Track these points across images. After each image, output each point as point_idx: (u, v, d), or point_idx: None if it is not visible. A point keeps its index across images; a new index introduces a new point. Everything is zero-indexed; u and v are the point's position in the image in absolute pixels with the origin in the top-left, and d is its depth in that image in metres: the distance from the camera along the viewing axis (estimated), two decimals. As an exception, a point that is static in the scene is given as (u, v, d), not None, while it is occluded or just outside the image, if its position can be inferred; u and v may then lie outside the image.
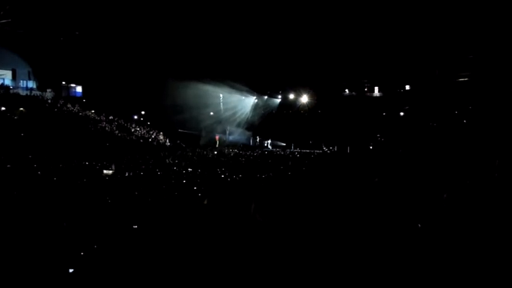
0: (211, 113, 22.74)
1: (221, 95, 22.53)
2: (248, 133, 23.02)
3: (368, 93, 21.86)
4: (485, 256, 1.96)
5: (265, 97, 23.62)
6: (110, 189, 5.09)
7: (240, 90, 21.76)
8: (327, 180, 5.27)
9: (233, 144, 21.33)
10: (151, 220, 3.20)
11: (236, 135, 23.09)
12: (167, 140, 19.05)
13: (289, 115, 23.21)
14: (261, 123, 22.89)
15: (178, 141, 19.23)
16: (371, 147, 18.96)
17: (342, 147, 18.75)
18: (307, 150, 19.16)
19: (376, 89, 21.80)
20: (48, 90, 18.17)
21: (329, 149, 19.25)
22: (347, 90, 22.16)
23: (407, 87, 20.66)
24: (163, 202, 4.32)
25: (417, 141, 16.82)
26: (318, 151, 18.86)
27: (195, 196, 4.76)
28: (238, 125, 23.26)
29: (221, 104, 22.87)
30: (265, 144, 22.24)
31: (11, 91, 16.85)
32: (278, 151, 18.09)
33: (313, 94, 21.80)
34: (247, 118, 23.68)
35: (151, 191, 4.95)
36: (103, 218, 3.22)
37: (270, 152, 17.58)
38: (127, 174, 6.97)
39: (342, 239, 2.12)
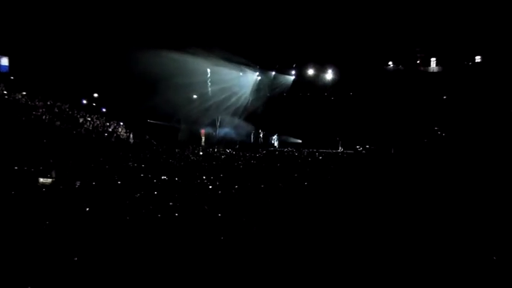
0: (195, 97, 22.77)
1: (209, 71, 22.52)
2: (248, 125, 23.07)
3: (422, 68, 21.73)
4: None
5: (273, 73, 23.61)
6: (48, 206, 5.06)
7: (236, 63, 21.71)
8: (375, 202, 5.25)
9: (226, 142, 21.38)
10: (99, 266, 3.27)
11: (230, 128, 23.16)
12: (131, 135, 19.11)
13: (307, 99, 23.22)
14: (267, 111, 22.93)
15: (147, 137, 19.28)
16: (426, 147, 18.86)
17: (384, 146, 18.70)
18: (333, 150, 19.16)
19: (433, 61, 21.66)
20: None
21: (364, 149, 19.21)
22: (390, 63, 22.03)
23: (478, 58, 20.49)
24: (124, 226, 4.31)
25: (495, 137, 16.70)
26: (348, 151, 18.83)
27: (170, 216, 4.74)
28: (234, 114, 23.33)
29: (209, 83, 22.89)
30: (272, 141, 22.32)
31: None
32: (291, 151, 18.08)
33: (342, 68, 21.71)
34: (247, 104, 23.73)
35: (106, 209, 4.93)
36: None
37: (279, 152, 17.58)
38: (72, 184, 6.94)
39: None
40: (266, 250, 3.51)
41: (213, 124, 23.47)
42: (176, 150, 16.05)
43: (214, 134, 23.30)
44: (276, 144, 22.42)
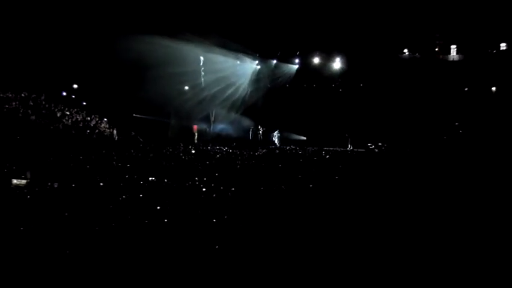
0: (186, 88, 22.75)
1: (202, 59, 22.47)
2: (246, 120, 23.09)
3: (441, 56, 21.72)
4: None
5: (274, 62, 23.61)
6: (22, 211, 5.05)
7: (233, 50, 21.66)
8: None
9: (222, 139, 21.40)
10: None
11: (226, 123, 23.17)
12: (115, 131, 19.10)
13: (312, 91, 23.23)
14: (267, 105, 22.93)
15: (133, 133, 19.27)
16: (446, 144, 18.89)
17: (399, 144, 18.73)
18: (341, 149, 19.18)
19: (453, 48, 21.66)
20: None
21: (377, 147, 19.24)
22: (406, 50, 22.00)
23: (503, 46, 20.48)
24: (106, 233, 4.29)
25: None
26: (359, 149, 18.85)
27: (158, 222, 4.72)
28: (230, 108, 23.35)
29: (202, 73, 22.86)
30: (273, 138, 22.37)
31: None
32: (294, 149, 18.09)
33: (352, 57, 21.69)
34: (245, 96, 23.73)
35: (87, 214, 4.92)
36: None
37: (281, 150, 17.59)
38: (49, 186, 6.93)
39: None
40: (265, 262, 3.49)
41: (206, 119, 23.47)
42: (166, 148, 16.03)
43: (208, 130, 23.30)
44: (277, 141, 22.47)
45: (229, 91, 23.24)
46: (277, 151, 17.05)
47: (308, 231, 4.43)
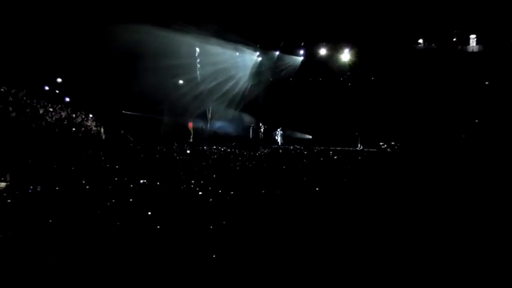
0: (181, 82, 22.77)
1: (198, 50, 22.51)
2: (246, 118, 23.13)
3: (459, 47, 21.69)
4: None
5: (276, 53, 23.61)
6: (1, 215, 5.07)
7: (231, 41, 21.67)
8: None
9: (219, 138, 21.42)
10: None
11: (224, 120, 23.20)
12: (102, 130, 19.13)
13: (319, 85, 23.25)
14: (269, 100, 22.95)
15: (122, 132, 19.29)
16: (465, 144, 18.86)
17: (413, 143, 18.72)
18: (350, 148, 19.19)
19: (472, 38, 21.62)
20: None
21: (389, 146, 19.22)
22: (421, 40, 21.97)
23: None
24: (94, 240, 4.32)
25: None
26: (369, 149, 18.86)
27: (150, 228, 4.74)
28: (229, 104, 23.39)
29: (198, 65, 22.89)
30: (275, 137, 22.40)
31: None
32: (299, 149, 18.11)
33: (362, 48, 21.69)
34: (245, 91, 23.76)
35: (72, 220, 4.94)
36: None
37: (284, 150, 17.60)
38: (31, 189, 6.96)
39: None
40: (263, 274, 3.52)
41: (203, 116, 23.52)
42: (158, 147, 16.05)
43: (204, 127, 23.34)
44: (280, 140, 22.50)
45: (228, 85, 23.27)
46: (280, 151, 17.06)
47: (312, 243, 4.43)
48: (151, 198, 6.49)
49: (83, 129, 18.50)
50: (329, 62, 22.75)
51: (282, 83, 23.70)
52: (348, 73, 22.56)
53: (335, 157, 14.50)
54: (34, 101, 18.46)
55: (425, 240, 4.45)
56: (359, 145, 20.25)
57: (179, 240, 4.38)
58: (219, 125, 23.27)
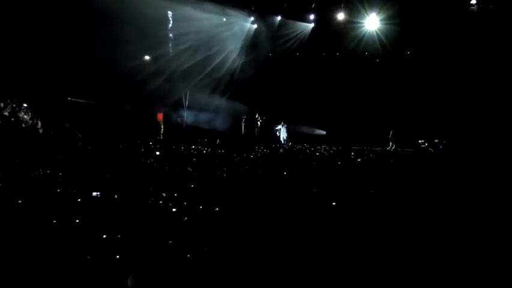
0: (147, 59, 22.78)
1: (170, 15, 22.51)
2: (237, 107, 23.15)
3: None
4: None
5: (278, 19, 23.64)
6: None
7: (217, 2, 21.65)
8: None
9: (201, 133, 21.41)
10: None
11: (207, 111, 23.22)
12: (40, 123, 19.10)
13: (335, 63, 23.26)
14: (268, 84, 22.98)
15: (67, 126, 19.26)
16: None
17: (464, 140, 18.78)
18: (377, 148, 19.23)
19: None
20: None
21: (432, 144, 19.25)
22: (473, 1, 22.04)
23: None
24: (26, 273, 4.28)
25: None
26: (404, 148, 18.92)
27: (105, 256, 4.70)
28: (214, 89, 23.43)
29: (170, 36, 22.88)
30: (276, 133, 22.48)
31: None
32: (308, 149, 18.14)
33: (394, 11, 21.66)
34: (235, 71, 23.80)
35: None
36: None
37: (288, 150, 17.64)
38: None
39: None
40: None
41: (178, 105, 23.53)
42: (117, 146, 16.05)
43: (180, 120, 23.38)
44: (283, 137, 22.52)
45: (212, 64, 23.34)
46: (281, 150, 17.06)
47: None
48: (107, 216, 6.44)
49: (13, 120, 18.44)
50: (349, 31, 22.74)
51: (285, 59, 23.73)
52: (376, 45, 22.54)
53: (358, 159, 14.54)
54: None
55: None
56: (390, 144, 20.31)
57: (146, 270, 4.36)
58: (199, 116, 23.29)
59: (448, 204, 7.64)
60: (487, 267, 4.43)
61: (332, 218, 6.78)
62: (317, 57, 23.56)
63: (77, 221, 6.13)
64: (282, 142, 22.30)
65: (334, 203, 7.72)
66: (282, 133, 22.78)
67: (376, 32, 22.34)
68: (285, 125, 22.82)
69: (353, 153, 16.49)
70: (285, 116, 22.79)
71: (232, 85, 23.69)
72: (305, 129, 23.29)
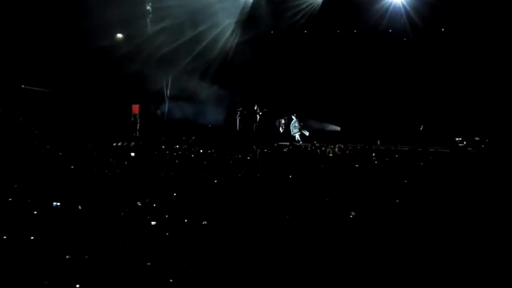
0: (119, 37, 22.83)
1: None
2: (230, 96, 23.18)
3: None
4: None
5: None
6: None
7: None
8: None
9: (186, 129, 21.42)
10: None
11: (193, 101, 23.23)
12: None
13: (352, 43, 23.25)
14: (269, 68, 23.00)
15: (21, 120, 19.25)
16: None
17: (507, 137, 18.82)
18: (403, 147, 19.23)
19: None
20: None
21: (473, 143, 19.24)
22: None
23: None
24: None
25: None
26: (438, 148, 18.93)
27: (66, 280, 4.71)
28: (203, 75, 23.51)
29: (149, 9, 22.90)
30: (279, 128, 22.50)
31: None
32: (319, 148, 18.15)
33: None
34: (228, 53, 23.91)
35: None
36: None
37: (292, 150, 17.65)
38: None
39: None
40: None
41: (157, 95, 23.54)
42: (82, 146, 16.04)
43: (160, 113, 23.39)
44: (297, 132, 22.41)
45: (200, 44, 23.31)
46: (285, 150, 17.07)
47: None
48: (69, 231, 6.42)
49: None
50: (370, 3, 22.68)
51: (290, 38, 23.71)
52: (403, 21, 22.41)
53: (378, 162, 14.55)
54: None
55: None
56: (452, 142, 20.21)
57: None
58: (184, 108, 23.28)
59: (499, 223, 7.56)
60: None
61: (348, 234, 6.77)
62: (330, 35, 23.43)
63: (32, 237, 6.09)
64: (298, 141, 22.01)
65: (351, 215, 7.73)
66: (294, 128, 22.62)
67: (403, 3, 22.28)
68: (295, 118, 22.61)
69: (373, 154, 16.48)
70: (289, 108, 22.76)
71: (224, 70, 23.62)
72: (315, 124, 23.26)
